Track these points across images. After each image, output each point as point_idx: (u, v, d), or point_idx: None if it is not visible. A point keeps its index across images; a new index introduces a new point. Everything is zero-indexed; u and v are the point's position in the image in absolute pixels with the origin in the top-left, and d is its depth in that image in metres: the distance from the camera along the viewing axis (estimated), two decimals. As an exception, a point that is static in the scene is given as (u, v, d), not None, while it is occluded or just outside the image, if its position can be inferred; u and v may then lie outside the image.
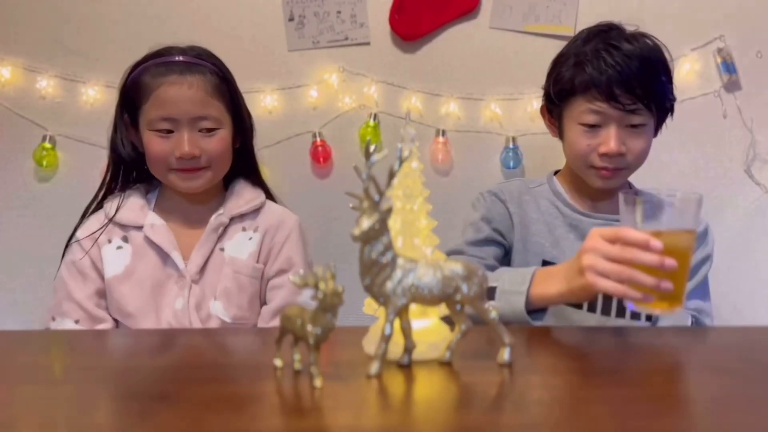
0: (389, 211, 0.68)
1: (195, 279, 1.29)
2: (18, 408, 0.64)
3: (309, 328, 0.65)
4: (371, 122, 1.86)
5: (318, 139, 1.88)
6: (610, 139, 1.21)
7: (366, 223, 0.66)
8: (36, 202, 1.90)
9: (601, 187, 1.29)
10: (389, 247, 0.68)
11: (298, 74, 1.88)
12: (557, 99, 1.29)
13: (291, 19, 1.87)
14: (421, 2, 1.85)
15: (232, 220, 1.33)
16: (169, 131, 1.26)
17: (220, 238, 1.32)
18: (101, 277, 1.30)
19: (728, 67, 1.83)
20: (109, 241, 1.31)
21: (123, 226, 1.32)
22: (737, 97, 1.85)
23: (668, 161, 1.87)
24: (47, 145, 1.86)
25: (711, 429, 0.56)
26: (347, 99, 1.88)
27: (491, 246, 1.31)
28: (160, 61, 1.28)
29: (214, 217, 1.33)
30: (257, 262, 1.32)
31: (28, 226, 1.90)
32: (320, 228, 1.77)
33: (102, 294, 1.29)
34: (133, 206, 1.33)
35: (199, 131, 1.27)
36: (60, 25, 1.87)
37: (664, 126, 1.37)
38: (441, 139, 1.87)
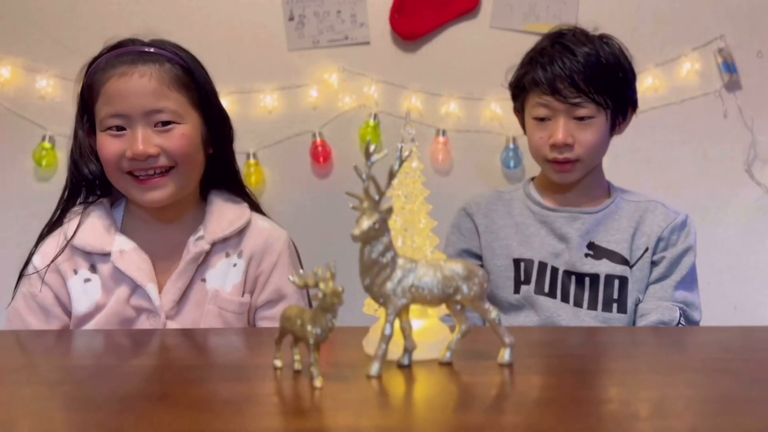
0: (389, 211, 0.68)
1: (170, 315, 1.12)
2: (17, 408, 0.64)
3: (309, 328, 0.65)
4: (371, 122, 1.87)
5: (318, 139, 1.88)
6: (557, 130, 1.28)
7: (366, 223, 0.66)
8: (36, 202, 1.89)
9: (559, 182, 1.35)
10: (389, 247, 0.68)
11: (298, 74, 1.88)
12: (515, 97, 1.40)
13: (291, 19, 1.87)
14: (421, 2, 1.85)
15: (213, 245, 1.15)
16: (121, 128, 1.09)
17: (200, 267, 1.14)
18: (67, 313, 1.14)
19: (729, 67, 1.83)
20: (75, 272, 1.13)
21: (88, 254, 1.14)
22: (738, 97, 1.85)
23: (669, 161, 1.87)
24: (47, 145, 1.86)
25: (711, 429, 0.55)
26: (347, 99, 1.88)
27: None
28: (112, 54, 1.12)
29: (192, 241, 1.14)
30: (243, 294, 1.16)
31: (28, 226, 1.89)
32: (320, 228, 1.78)
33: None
34: (96, 228, 1.14)
35: (155, 126, 1.10)
36: (60, 25, 1.88)
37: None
38: (441, 139, 1.87)
